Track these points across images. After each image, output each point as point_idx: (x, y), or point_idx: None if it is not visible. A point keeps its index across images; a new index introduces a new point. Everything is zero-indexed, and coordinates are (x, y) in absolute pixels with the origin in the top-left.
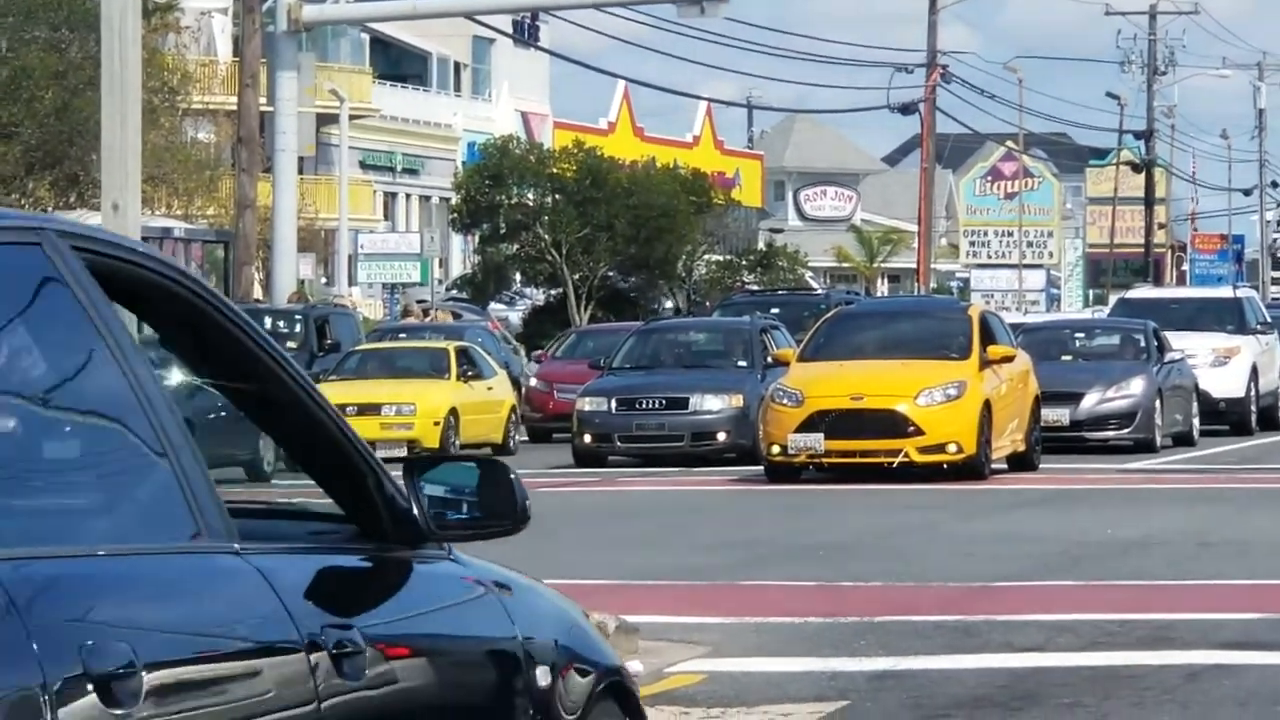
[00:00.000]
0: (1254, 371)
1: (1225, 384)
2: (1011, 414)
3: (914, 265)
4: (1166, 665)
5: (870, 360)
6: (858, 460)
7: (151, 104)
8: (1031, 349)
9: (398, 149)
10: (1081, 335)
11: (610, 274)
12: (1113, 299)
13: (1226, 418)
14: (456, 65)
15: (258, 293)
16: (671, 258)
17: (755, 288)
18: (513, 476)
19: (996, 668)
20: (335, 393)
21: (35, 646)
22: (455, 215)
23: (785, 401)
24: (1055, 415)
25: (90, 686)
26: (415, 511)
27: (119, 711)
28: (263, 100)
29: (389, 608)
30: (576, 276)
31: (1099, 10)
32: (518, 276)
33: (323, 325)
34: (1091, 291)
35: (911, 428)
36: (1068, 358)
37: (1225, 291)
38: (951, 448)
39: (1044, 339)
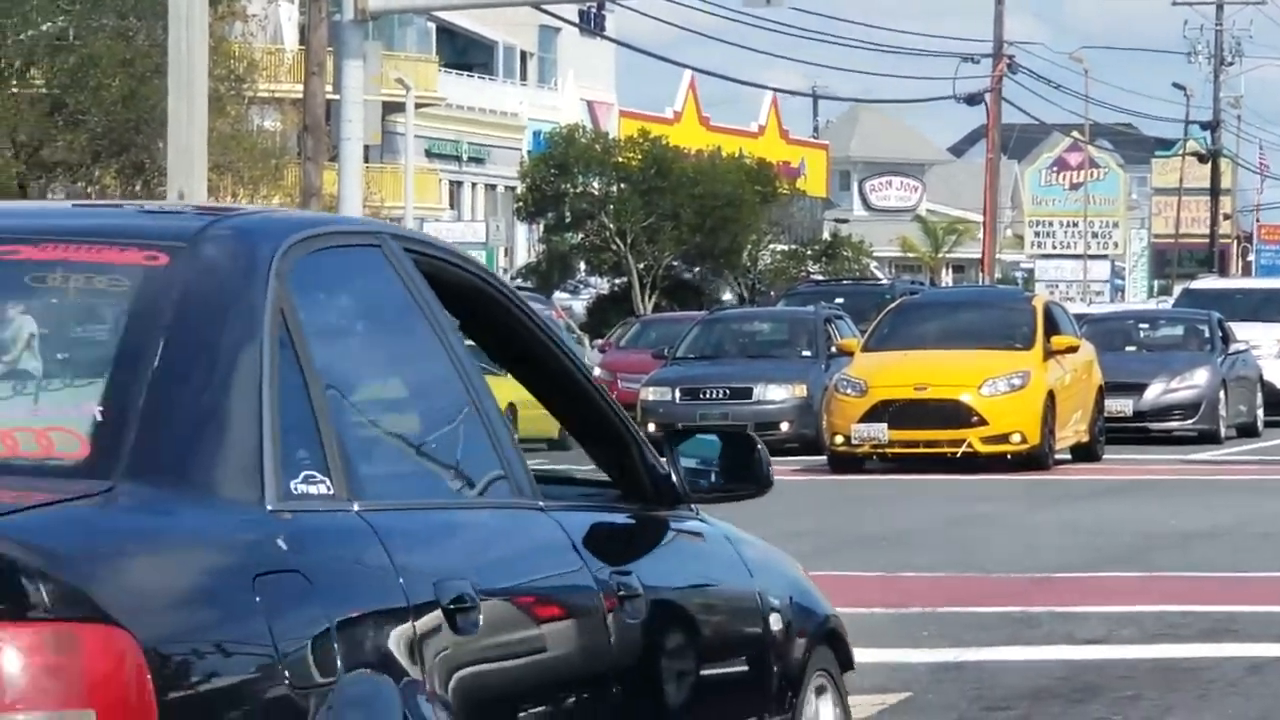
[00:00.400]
0: None
1: None
2: (1075, 404)
3: (979, 256)
4: (1229, 658)
5: (934, 350)
6: (921, 450)
7: (217, 92)
8: (1096, 339)
9: (463, 138)
10: (1146, 326)
11: (675, 263)
12: (1177, 290)
13: None
14: (522, 54)
15: None
16: (736, 247)
17: (820, 278)
18: (758, 448)
19: (1058, 659)
20: None
21: (401, 580)
22: (520, 204)
23: (849, 391)
24: (1119, 406)
25: (439, 613)
26: (674, 477)
27: (460, 637)
28: (329, 89)
29: (655, 557)
30: (641, 266)
31: (1165, 1)
32: (582, 266)
33: None
34: (1156, 282)
35: (975, 418)
36: (1132, 348)
37: None
38: (1015, 438)
39: (1108, 330)
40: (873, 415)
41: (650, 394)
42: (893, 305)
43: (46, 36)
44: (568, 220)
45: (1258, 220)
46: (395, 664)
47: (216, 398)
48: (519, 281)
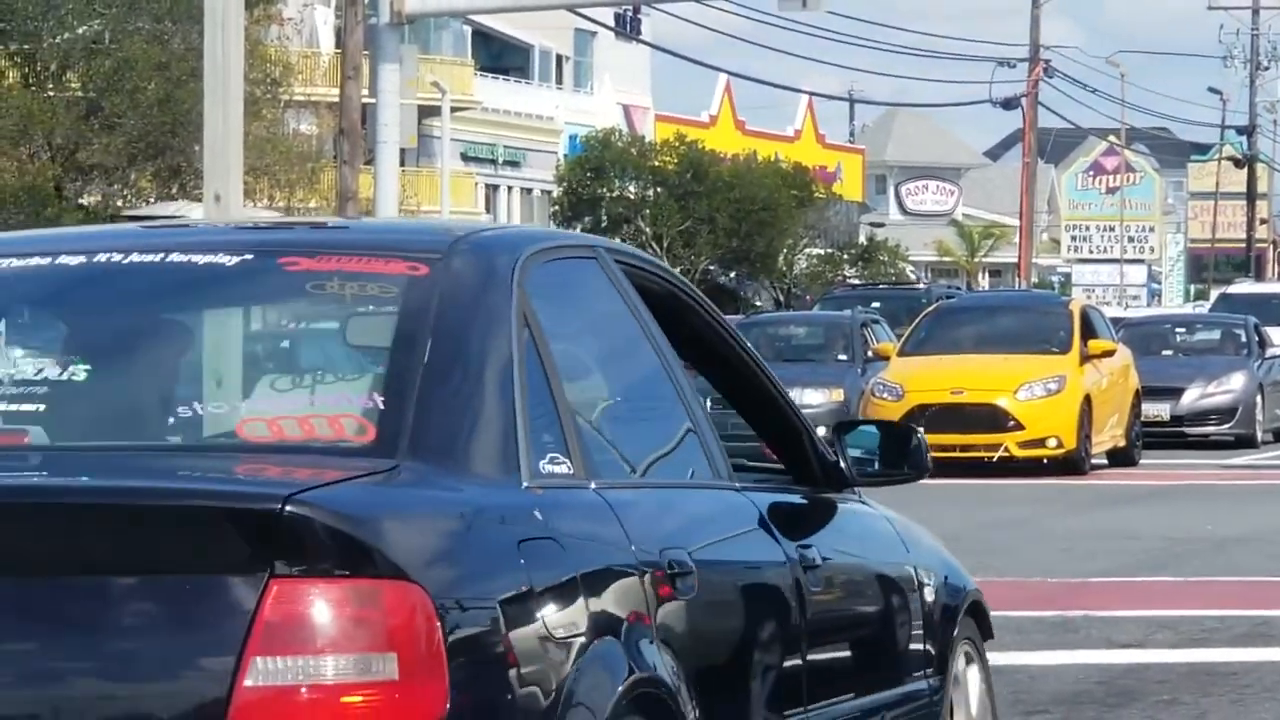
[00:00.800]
0: None
1: None
2: (1112, 409)
3: (1015, 260)
4: (1265, 662)
5: (970, 355)
6: (958, 455)
7: (254, 95)
8: (1132, 344)
9: (499, 141)
10: (1182, 330)
11: (711, 268)
12: (1214, 294)
13: None
14: (558, 58)
15: None
16: (773, 251)
17: (856, 282)
18: (916, 437)
19: (1095, 664)
20: None
21: (632, 547)
22: (556, 208)
23: (885, 395)
24: (1156, 410)
25: (663, 575)
26: (841, 464)
27: (679, 599)
28: (365, 92)
29: (829, 533)
30: (677, 270)
31: (1201, 5)
32: None
33: None
34: (1193, 286)
35: (1011, 422)
36: (1168, 353)
37: None
38: (1051, 442)
39: (1145, 334)
40: (909, 420)
41: None
42: (929, 309)
43: (82, 40)
44: (604, 224)
45: None
46: (629, 618)
47: (477, 389)
48: None
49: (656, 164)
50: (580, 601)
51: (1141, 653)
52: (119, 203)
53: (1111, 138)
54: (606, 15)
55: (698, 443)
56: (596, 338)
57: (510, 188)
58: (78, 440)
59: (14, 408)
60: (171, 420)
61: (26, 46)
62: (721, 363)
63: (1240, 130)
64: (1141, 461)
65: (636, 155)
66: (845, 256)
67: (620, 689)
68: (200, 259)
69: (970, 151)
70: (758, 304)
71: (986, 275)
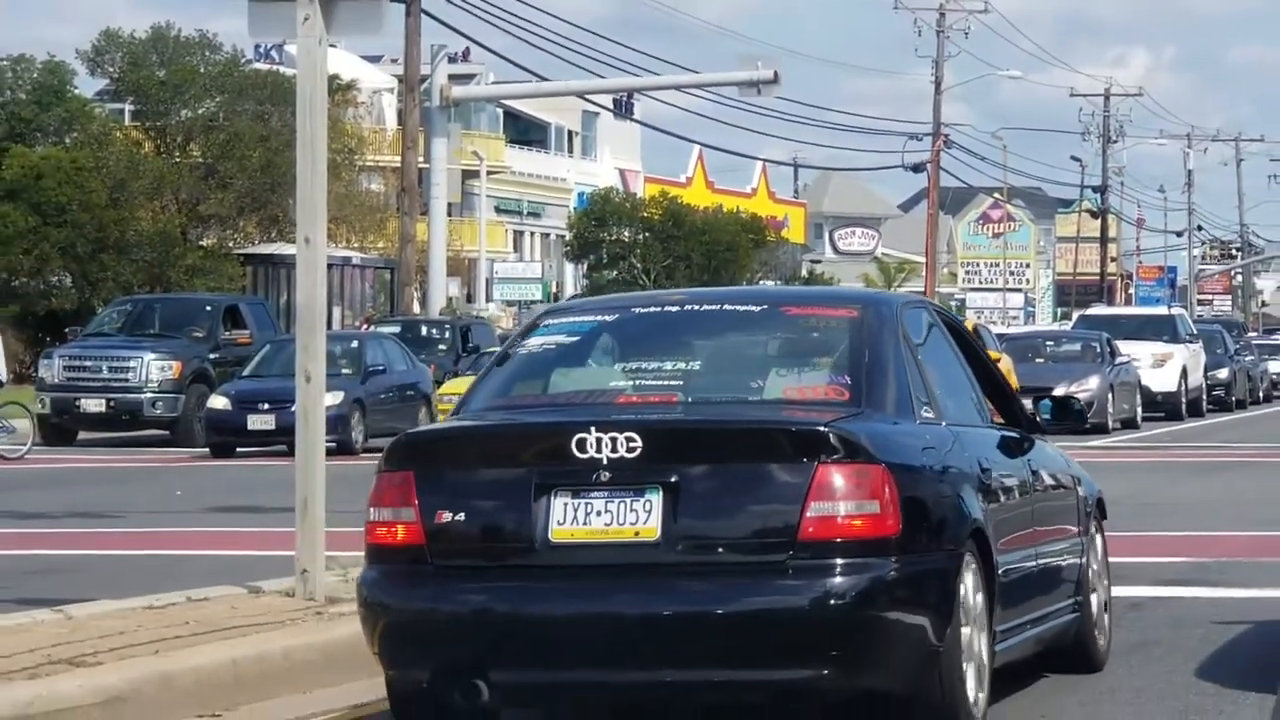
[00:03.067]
0: (1184, 372)
1: (1161, 381)
2: None
3: (923, 289)
4: (1115, 597)
5: None
6: None
7: (335, 162)
8: (1013, 353)
9: (524, 197)
10: (1051, 343)
11: None
12: (1076, 315)
13: (1163, 407)
14: (570, 133)
15: (416, 308)
16: (735, 282)
17: None
18: (1075, 403)
19: None
20: (466, 385)
21: (965, 453)
22: (568, 249)
23: None
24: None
25: (983, 475)
26: (1037, 418)
27: (986, 481)
28: (421, 159)
29: (1036, 454)
30: None
31: (1065, 93)
32: None
33: (466, 333)
34: (1059, 310)
35: None
36: (1040, 360)
37: (1162, 310)
38: None
39: (1022, 346)
40: None
41: None
42: None
43: (201, 119)
44: (605, 261)
45: (1138, 262)
46: (969, 485)
47: (891, 373)
48: None
49: (645, 215)
50: (951, 475)
51: None
52: (230, 244)
53: (996, 195)
54: (607, 100)
55: (977, 405)
56: (933, 349)
57: (533, 233)
58: (704, 398)
59: (664, 382)
60: (754, 386)
61: (159, 123)
62: (977, 364)
63: (1095, 189)
64: None
65: (630, 208)
66: (791, 287)
67: (971, 520)
68: (741, 308)
69: (888, 205)
70: None
71: None
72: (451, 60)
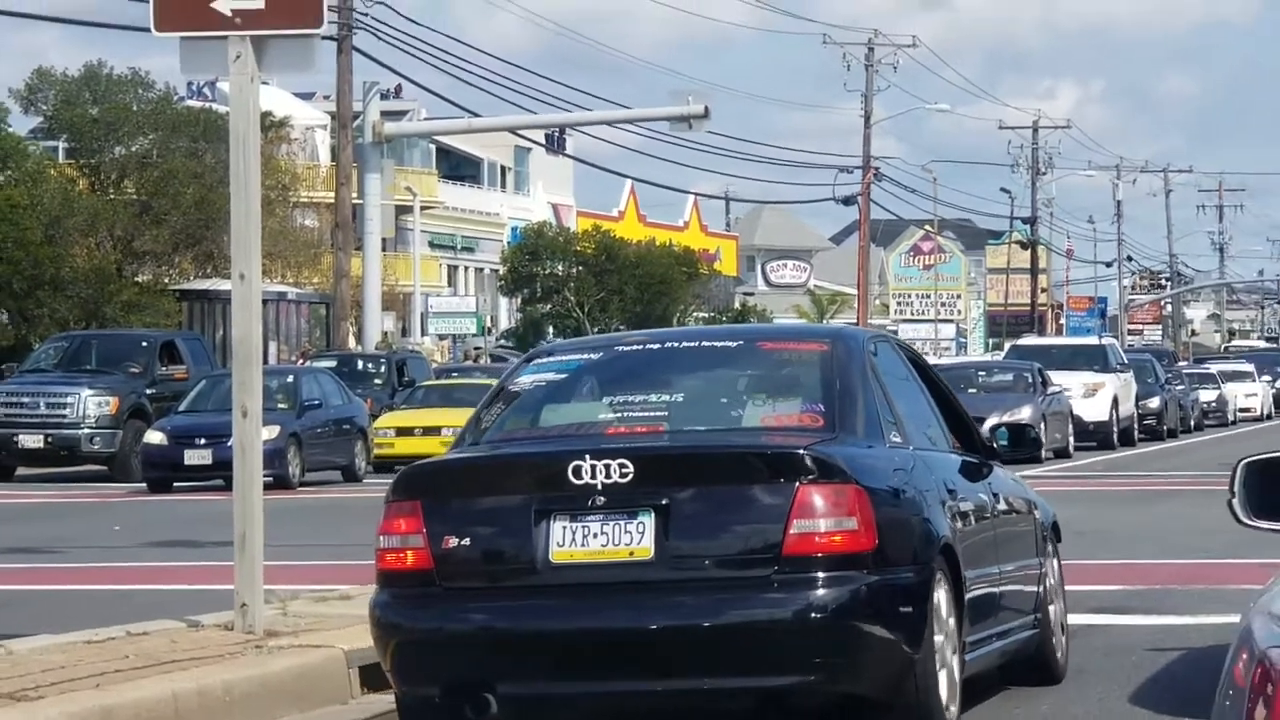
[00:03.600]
0: (1115, 401)
1: (1093, 410)
2: None
3: (855, 320)
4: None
5: None
6: None
7: (269, 198)
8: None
9: (458, 232)
10: (984, 373)
11: (621, 327)
12: (1007, 345)
13: (1094, 436)
14: (502, 168)
15: (352, 342)
16: (668, 315)
17: None
18: (1031, 431)
19: None
20: (405, 418)
21: (932, 475)
22: (502, 283)
23: None
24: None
25: (945, 489)
26: (993, 445)
27: (952, 501)
28: (354, 195)
29: (994, 479)
30: (595, 329)
31: (994, 125)
32: (550, 329)
33: (401, 366)
34: (990, 340)
35: None
36: (973, 390)
37: (1093, 340)
38: None
39: (955, 376)
40: None
41: None
42: None
43: (135, 156)
44: (539, 295)
45: (1067, 292)
46: (938, 505)
47: (861, 402)
48: (501, 343)
49: (578, 249)
50: (920, 495)
51: None
52: (166, 280)
53: (927, 227)
54: (539, 135)
55: (940, 431)
56: (897, 379)
57: (467, 268)
58: (689, 427)
59: (650, 414)
60: (734, 415)
61: (93, 160)
62: (936, 392)
63: (1025, 220)
64: None
65: (563, 242)
66: (724, 319)
67: (940, 538)
68: (719, 344)
69: (819, 237)
70: None
71: None
72: (384, 97)
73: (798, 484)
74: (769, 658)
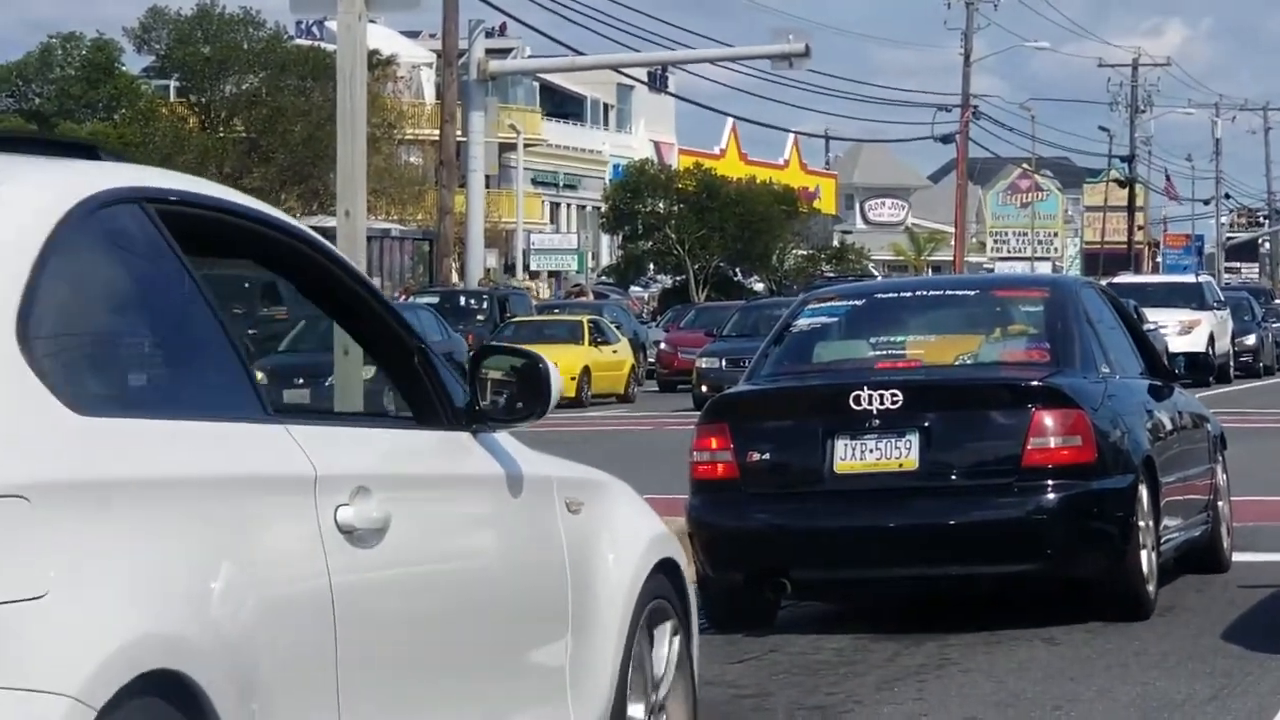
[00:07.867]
0: (1211, 338)
1: (1189, 347)
2: None
3: (952, 259)
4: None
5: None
6: None
7: (374, 136)
8: None
9: (560, 170)
10: None
11: (721, 264)
12: (1103, 283)
13: (1190, 373)
14: (605, 106)
15: (454, 279)
16: (767, 252)
17: (831, 275)
18: (1203, 357)
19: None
20: None
21: (1133, 400)
22: (604, 220)
23: None
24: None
25: (1146, 423)
26: (1174, 370)
27: (1155, 437)
28: (458, 133)
29: (1177, 399)
30: (695, 266)
31: (1093, 64)
32: (651, 266)
33: (504, 303)
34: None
35: None
36: None
37: (1189, 278)
38: None
39: None
40: None
41: (703, 363)
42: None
43: (245, 94)
44: (640, 232)
45: (1165, 230)
46: (1146, 433)
47: (1079, 338)
48: (603, 279)
49: (679, 186)
50: (1127, 415)
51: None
52: None
53: (1025, 165)
54: (642, 73)
55: (1135, 360)
56: (1102, 318)
57: (569, 205)
58: (942, 362)
59: (905, 352)
60: (978, 350)
61: (204, 99)
62: (1128, 325)
63: (1123, 159)
64: None
65: (664, 180)
66: (822, 256)
67: (1143, 450)
68: (960, 292)
69: (917, 176)
70: (756, 291)
71: (930, 270)
72: (489, 35)
73: (1033, 409)
74: (1010, 549)
